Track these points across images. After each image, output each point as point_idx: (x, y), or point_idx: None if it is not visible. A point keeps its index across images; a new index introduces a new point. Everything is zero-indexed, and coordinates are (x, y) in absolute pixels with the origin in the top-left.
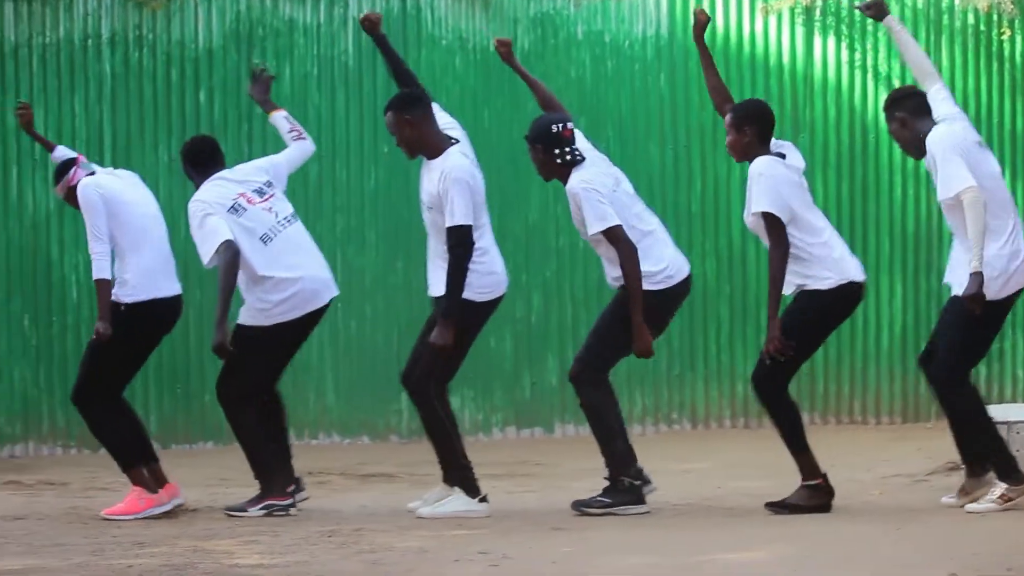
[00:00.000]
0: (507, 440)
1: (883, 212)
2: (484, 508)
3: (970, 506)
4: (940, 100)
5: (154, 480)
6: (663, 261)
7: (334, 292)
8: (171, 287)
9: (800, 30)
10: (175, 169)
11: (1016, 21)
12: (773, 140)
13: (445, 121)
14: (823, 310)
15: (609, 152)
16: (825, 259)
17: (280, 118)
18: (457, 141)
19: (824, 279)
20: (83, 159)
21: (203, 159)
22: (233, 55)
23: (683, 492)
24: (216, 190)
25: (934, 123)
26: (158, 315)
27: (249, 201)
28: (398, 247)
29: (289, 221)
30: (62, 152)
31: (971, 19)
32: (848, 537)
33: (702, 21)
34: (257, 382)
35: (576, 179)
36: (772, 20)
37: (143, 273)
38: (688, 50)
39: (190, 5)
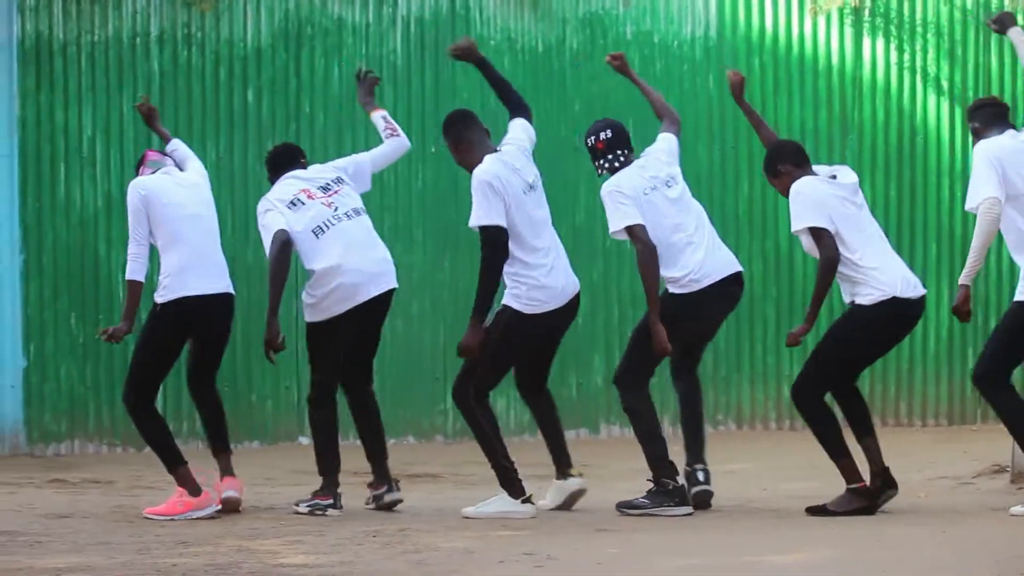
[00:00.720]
0: None
1: (931, 215)
2: (528, 509)
3: (1014, 509)
4: None
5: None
6: (688, 267)
7: (385, 287)
8: (204, 286)
9: (849, 31)
10: (223, 166)
11: None
12: (826, 166)
13: (511, 136)
14: (866, 326)
15: None
16: (867, 274)
17: (378, 117)
18: (497, 150)
19: (866, 295)
20: (152, 156)
21: (279, 164)
22: (282, 54)
23: (729, 493)
24: (281, 187)
25: (1000, 132)
26: (187, 313)
27: (310, 196)
28: (445, 246)
29: (348, 216)
30: (174, 146)
31: (1021, 20)
32: (893, 539)
33: (736, 82)
34: (328, 378)
35: (605, 183)
36: (821, 21)
37: (174, 273)
38: (737, 51)
39: (239, 4)
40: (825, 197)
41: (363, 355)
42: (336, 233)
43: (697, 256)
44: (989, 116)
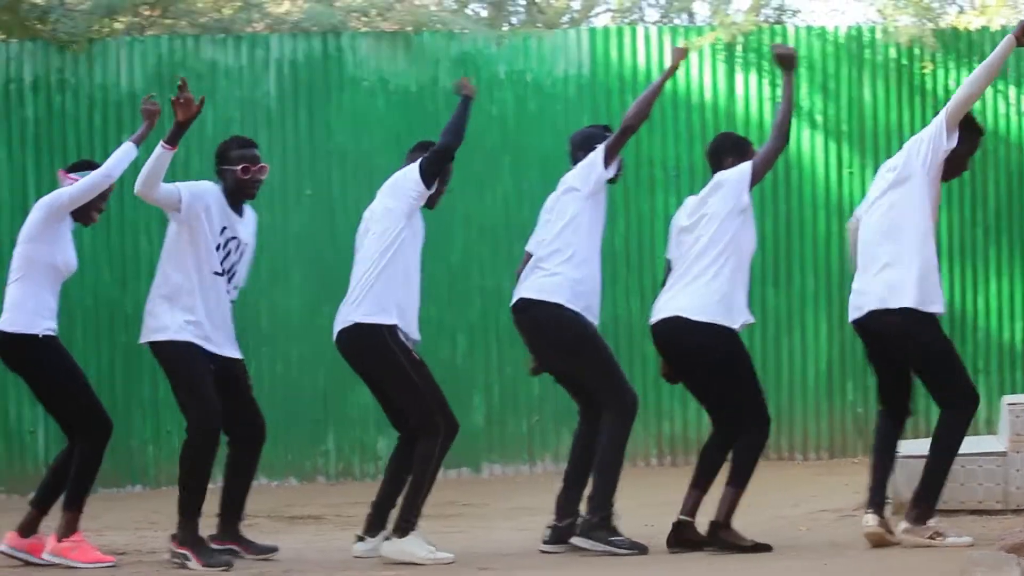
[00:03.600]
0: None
1: (807, 248)
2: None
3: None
4: None
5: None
6: None
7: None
8: None
9: (721, 67)
10: None
11: (937, 55)
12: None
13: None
14: None
15: (532, 191)
16: None
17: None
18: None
19: None
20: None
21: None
22: (156, 98)
23: None
24: None
25: None
26: None
27: None
28: (323, 288)
29: None
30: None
31: (892, 53)
32: (776, 573)
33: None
34: None
35: None
36: (693, 57)
37: None
38: (610, 88)
39: (112, 48)
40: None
41: None
42: None
43: None
44: None
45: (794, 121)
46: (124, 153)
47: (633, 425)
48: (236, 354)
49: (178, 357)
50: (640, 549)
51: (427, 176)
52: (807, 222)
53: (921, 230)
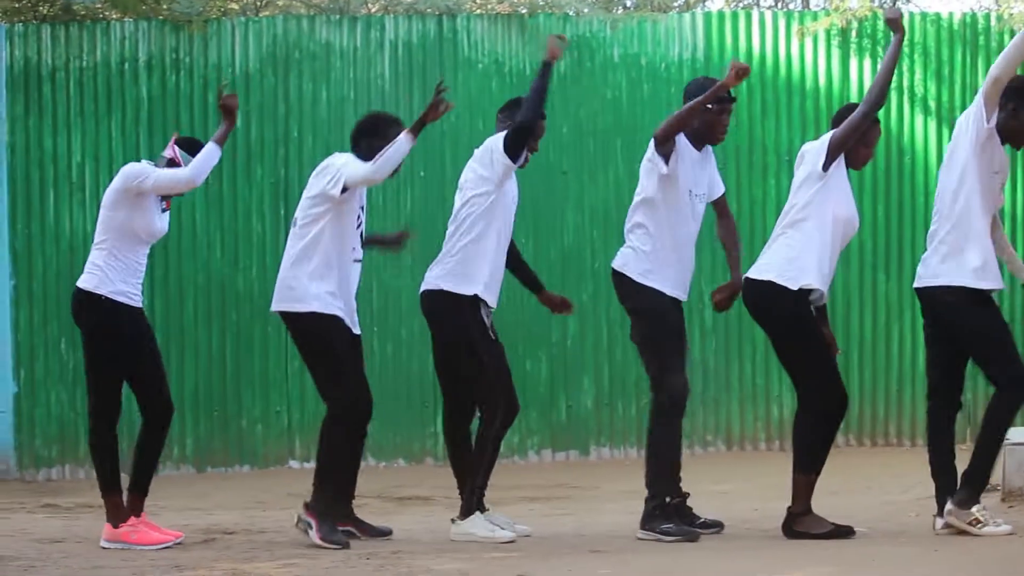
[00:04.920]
0: (543, 463)
1: (919, 234)
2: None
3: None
4: None
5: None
6: None
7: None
8: None
9: (836, 52)
10: (211, 192)
11: None
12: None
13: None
14: None
15: None
16: None
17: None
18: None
19: None
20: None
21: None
22: (270, 78)
23: (720, 514)
24: None
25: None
26: None
27: None
28: None
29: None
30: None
31: (1007, 40)
32: (886, 558)
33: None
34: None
35: None
36: (808, 42)
37: None
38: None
39: (227, 28)
40: None
41: None
42: None
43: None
44: None
45: (907, 107)
46: (209, 155)
47: (682, 416)
48: (357, 330)
49: (323, 331)
50: (680, 536)
51: (511, 152)
52: (919, 208)
53: (960, 207)
